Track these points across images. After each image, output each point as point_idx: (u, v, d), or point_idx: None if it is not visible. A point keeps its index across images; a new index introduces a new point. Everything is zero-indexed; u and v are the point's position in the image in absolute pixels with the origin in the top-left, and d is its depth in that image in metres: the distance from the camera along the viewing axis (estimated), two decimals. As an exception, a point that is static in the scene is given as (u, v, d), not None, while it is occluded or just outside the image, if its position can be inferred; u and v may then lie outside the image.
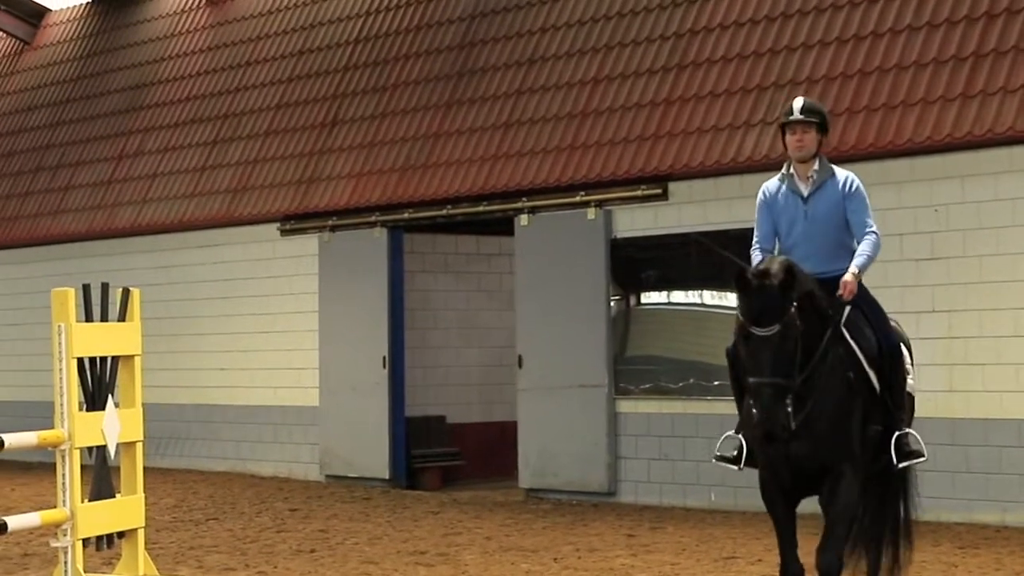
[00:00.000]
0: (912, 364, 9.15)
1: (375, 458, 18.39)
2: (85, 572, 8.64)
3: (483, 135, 17.67)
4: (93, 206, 22.58)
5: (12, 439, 8.34)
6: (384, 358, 18.38)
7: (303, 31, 21.04)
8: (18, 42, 25.89)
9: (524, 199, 16.92)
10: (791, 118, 8.87)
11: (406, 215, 18.25)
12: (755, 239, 9.04)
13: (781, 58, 15.37)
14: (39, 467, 20.36)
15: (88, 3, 24.95)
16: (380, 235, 18.46)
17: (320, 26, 20.81)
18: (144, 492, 9.22)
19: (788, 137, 8.89)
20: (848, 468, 8.43)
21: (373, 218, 18.49)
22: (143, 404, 9.21)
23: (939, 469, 12.96)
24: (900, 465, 8.77)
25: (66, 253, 22.66)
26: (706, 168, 15.38)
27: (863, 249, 8.78)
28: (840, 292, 8.63)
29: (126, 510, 9.00)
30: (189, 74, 22.50)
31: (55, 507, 8.57)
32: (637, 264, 16.20)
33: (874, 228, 8.83)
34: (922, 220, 14.07)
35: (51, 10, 25.67)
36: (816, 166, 8.89)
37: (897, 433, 8.69)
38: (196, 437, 20.72)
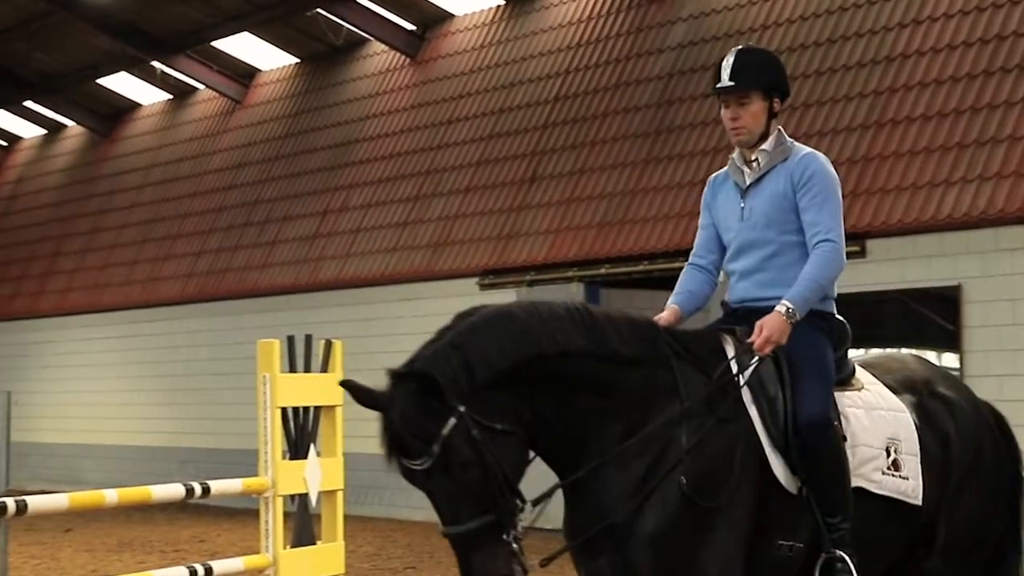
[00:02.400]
0: (900, 453, 6.14)
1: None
2: (286, 617, 8.77)
3: (680, 191, 17.63)
4: (299, 260, 23.00)
5: (218, 485, 8.52)
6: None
7: (503, 90, 21.23)
8: (230, 101, 26.51)
9: (721, 256, 16.81)
10: (718, 86, 6.13)
11: (603, 270, 18.27)
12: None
13: (982, 116, 15.08)
14: (243, 513, 20.71)
15: (296, 63, 25.48)
16: (577, 290, 18.49)
17: (520, 85, 20.99)
18: (344, 540, 9.33)
19: (722, 112, 6.20)
20: None
21: (570, 273, 18.54)
22: (344, 453, 9.33)
23: None
24: None
25: (272, 306, 23.08)
26: (905, 225, 15.14)
27: (806, 271, 6.02)
28: (753, 339, 5.86)
29: (327, 557, 9.12)
30: (392, 132, 22.84)
31: (258, 553, 8.72)
32: (834, 321, 15.98)
33: (831, 236, 6.07)
34: None
35: (261, 70, 26.27)
36: (768, 145, 6.15)
37: (824, 556, 5.80)
38: (395, 487, 20.87)
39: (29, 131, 32.06)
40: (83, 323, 27.60)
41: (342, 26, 23.49)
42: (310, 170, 24.01)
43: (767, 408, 5.79)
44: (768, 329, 5.81)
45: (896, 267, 15.41)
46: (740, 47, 6.27)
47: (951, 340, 14.92)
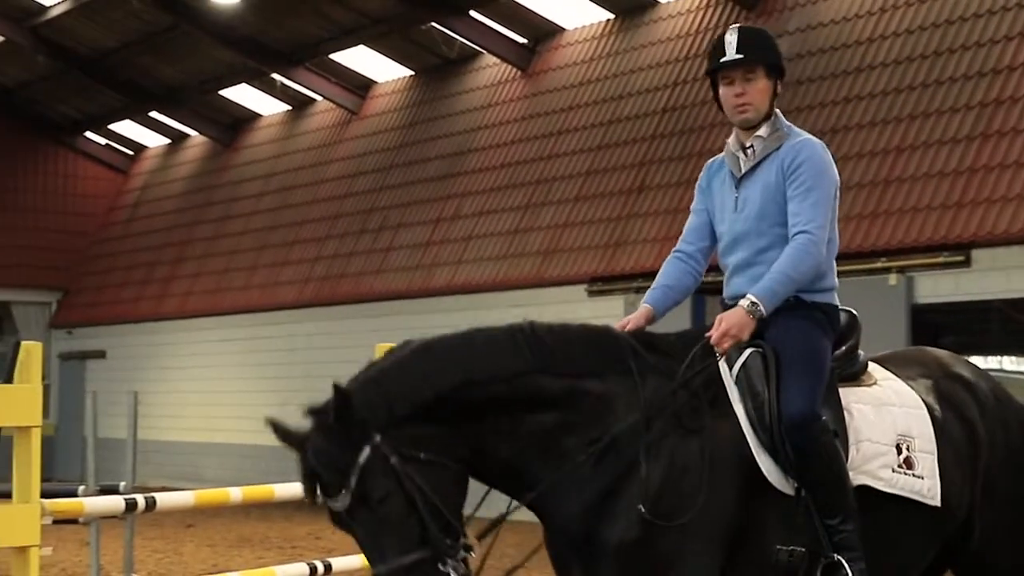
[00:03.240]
0: (912, 451, 5.64)
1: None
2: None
3: (786, 202, 17.56)
4: (412, 266, 23.16)
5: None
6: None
7: (612, 101, 21.26)
8: (346, 112, 26.76)
9: (825, 264, 16.72)
10: (724, 60, 5.65)
11: (707, 278, 18.21)
12: None
13: (1088, 127, 14.92)
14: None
15: (410, 75, 25.69)
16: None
17: (628, 97, 21.01)
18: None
19: (723, 90, 5.71)
20: None
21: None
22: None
23: None
24: None
25: (387, 310, 23.25)
26: (1010, 235, 14.98)
27: (777, 264, 5.54)
28: (711, 332, 5.44)
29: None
30: (504, 142, 22.95)
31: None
32: (938, 330, 15.86)
33: (810, 227, 5.56)
34: None
35: (376, 82, 26.50)
36: (763, 131, 5.71)
37: (824, 562, 5.33)
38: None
39: (154, 140, 32.56)
40: (204, 325, 27.99)
41: (455, 39, 23.66)
42: (423, 179, 24.18)
43: (752, 407, 5.36)
44: (727, 323, 5.40)
45: (1001, 277, 15.27)
46: (738, 25, 5.83)
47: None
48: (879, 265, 16.16)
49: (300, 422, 5.19)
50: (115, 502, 7.79)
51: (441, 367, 5.10)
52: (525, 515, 5.42)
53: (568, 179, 21.21)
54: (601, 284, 19.64)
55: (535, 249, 20.98)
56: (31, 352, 6.97)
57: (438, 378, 5.06)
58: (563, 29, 22.92)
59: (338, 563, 8.69)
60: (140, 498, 7.67)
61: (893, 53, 17.38)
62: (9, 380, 6.95)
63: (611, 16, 22.06)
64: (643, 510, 5.09)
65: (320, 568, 8.62)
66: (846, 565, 5.29)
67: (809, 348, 5.54)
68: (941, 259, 15.62)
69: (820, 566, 5.32)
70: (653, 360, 5.36)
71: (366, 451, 4.91)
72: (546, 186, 21.53)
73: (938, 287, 15.80)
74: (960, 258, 15.50)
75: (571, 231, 20.57)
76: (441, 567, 4.95)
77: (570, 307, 20.21)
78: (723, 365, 5.45)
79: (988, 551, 5.93)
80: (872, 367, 5.91)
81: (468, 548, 5.08)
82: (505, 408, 5.13)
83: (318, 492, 5.06)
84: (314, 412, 5.07)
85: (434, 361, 5.12)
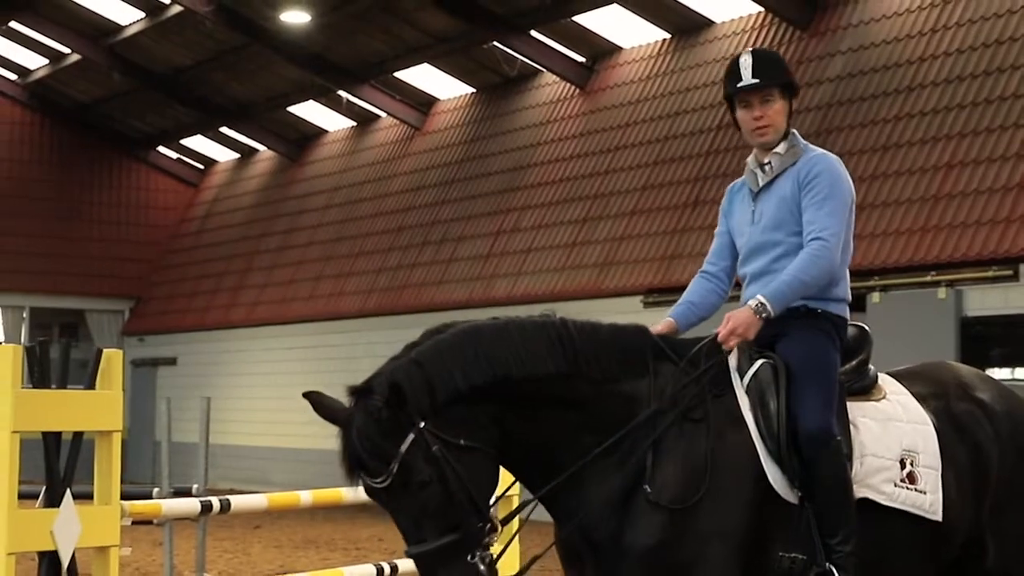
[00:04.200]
0: (916, 465, 5.61)
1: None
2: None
3: (837, 217, 17.52)
4: (473, 277, 23.24)
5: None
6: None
7: (668, 119, 21.27)
8: (410, 128, 26.88)
9: (876, 278, 16.67)
10: (741, 84, 5.67)
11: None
12: None
13: None
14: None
15: (472, 93, 25.78)
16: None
17: (684, 114, 21.02)
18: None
19: (740, 113, 5.74)
20: None
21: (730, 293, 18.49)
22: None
23: None
24: None
25: (448, 320, 23.23)
26: (1058, 251, 14.92)
27: (790, 268, 5.53)
28: (719, 330, 5.46)
29: (503, 558, 9.24)
30: (562, 157, 22.99)
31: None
32: (987, 342, 15.78)
33: (824, 234, 5.52)
34: None
35: (439, 99, 26.61)
36: (781, 148, 5.72)
37: (816, 571, 5.33)
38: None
39: (224, 155, 32.81)
40: (271, 334, 28.16)
41: (516, 58, 23.72)
42: (484, 193, 24.25)
43: (762, 416, 5.36)
44: (734, 321, 5.40)
45: (1049, 291, 15.20)
46: (751, 48, 5.85)
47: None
48: (929, 279, 16.09)
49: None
50: (191, 504, 7.86)
51: (481, 359, 5.11)
52: (542, 514, 5.46)
53: (625, 194, 21.23)
54: (656, 296, 19.63)
55: (592, 261, 21.01)
56: (112, 359, 7.06)
57: (478, 371, 5.09)
58: (620, 48, 22.95)
59: (404, 565, 8.73)
60: (215, 500, 7.75)
61: (944, 73, 17.31)
62: (91, 386, 7.05)
63: (667, 35, 22.07)
64: (648, 492, 5.14)
65: (387, 569, 8.66)
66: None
67: (820, 361, 5.54)
68: (990, 273, 15.54)
69: (812, 574, 5.32)
70: (671, 360, 5.39)
71: (409, 438, 4.94)
72: (603, 200, 21.56)
73: (987, 300, 15.72)
74: (1009, 272, 15.42)
75: (627, 244, 20.59)
76: (470, 550, 5.01)
77: (626, 318, 20.06)
78: (735, 375, 5.47)
79: (1005, 564, 5.90)
80: (883, 380, 5.92)
81: (494, 530, 5.13)
82: (532, 404, 5.17)
83: (360, 473, 5.05)
84: (358, 393, 5.08)
85: (475, 352, 5.13)
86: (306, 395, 5.25)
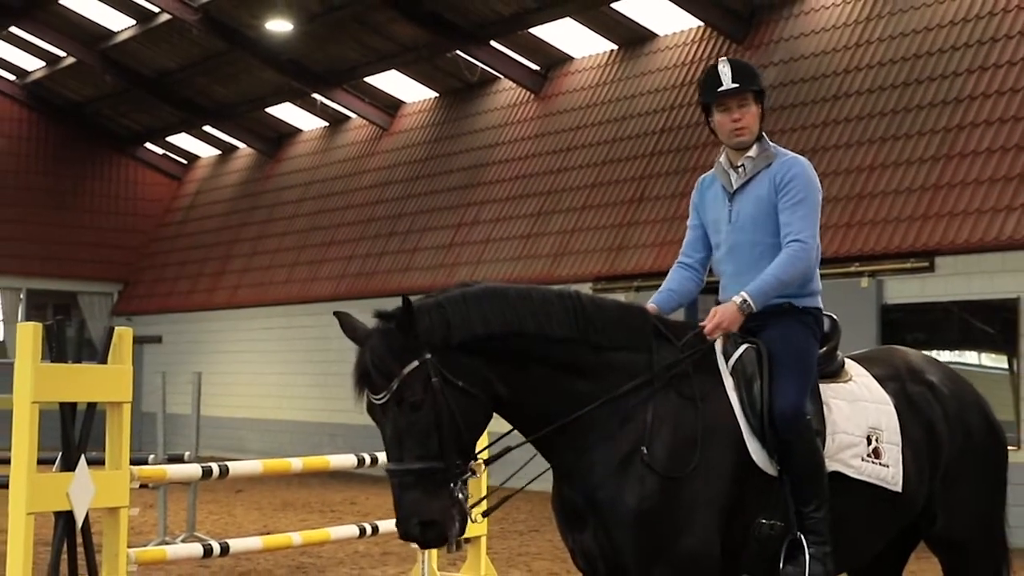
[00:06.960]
0: (879, 442, 5.67)
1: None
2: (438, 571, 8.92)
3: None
4: (436, 265, 23.21)
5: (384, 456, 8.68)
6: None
7: (615, 122, 21.31)
8: (378, 129, 26.80)
9: (805, 269, 16.74)
10: (723, 89, 5.64)
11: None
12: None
13: (1040, 150, 14.95)
14: (386, 480, 20.85)
15: (436, 97, 25.73)
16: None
17: (630, 118, 21.05)
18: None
19: (718, 117, 5.69)
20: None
21: (672, 281, 18.54)
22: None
23: None
24: None
25: (413, 304, 23.19)
26: (970, 245, 15.03)
27: (770, 267, 5.56)
28: (705, 322, 5.48)
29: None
30: (518, 157, 22.99)
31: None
32: (904, 328, 15.90)
33: (802, 236, 5.57)
34: None
35: (405, 102, 26.53)
36: (753, 151, 5.71)
37: (789, 539, 5.38)
38: (519, 461, 20.99)
39: (206, 151, 32.59)
40: (250, 315, 28.03)
41: (476, 66, 23.69)
42: (446, 188, 24.22)
43: (746, 395, 5.39)
44: (720, 315, 5.44)
45: (961, 281, 15.31)
46: (727, 57, 5.82)
47: (1010, 346, 14.81)
48: (853, 269, 16.20)
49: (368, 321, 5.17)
50: (193, 469, 7.84)
51: (500, 312, 5.09)
52: (540, 485, 5.47)
53: (576, 190, 21.25)
54: (605, 283, 19.68)
55: (546, 252, 21.02)
56: (123, 337, 7.05)
57: (495, 321, 5.06)
58: (572, 57, 22.96)
59: (384, 525, 8.74)
60: (215, 466, 7.72)
61: (867, 83, 17.42)
62: (104, 361, 7.02)
63: (615, 47, 22.09)
64: (645, 454, 5.12)
65: (368, 530, 8.66)
66: (806, 545, 5.33)
67: (799, 348, 5.58)
68: (908, 265, 15.67)
69: (786, 541, 5.38)
70: (667, 339, 5.41)
71: (414, 363, 4.90)
72: (556, 196, 21.58)
73: (905, 290, 15.84)
74: (925, 264, 15.55)
75: (578, 236, 20.61)
76: (447, 482, 4.93)
77: (576, 303, 20.24)
78: (720, 357, 5.49)
79: (952, 530, 6.02)
80: (848, 364, 5.95)
81: (473, 472, 5.09)
82: (543, 364, 5.15)
83: (364, 387, 5.01)
84: (382, 316, 5.04)
85: (496, 305, 5.11)
86: (336, 313, 5.24)
